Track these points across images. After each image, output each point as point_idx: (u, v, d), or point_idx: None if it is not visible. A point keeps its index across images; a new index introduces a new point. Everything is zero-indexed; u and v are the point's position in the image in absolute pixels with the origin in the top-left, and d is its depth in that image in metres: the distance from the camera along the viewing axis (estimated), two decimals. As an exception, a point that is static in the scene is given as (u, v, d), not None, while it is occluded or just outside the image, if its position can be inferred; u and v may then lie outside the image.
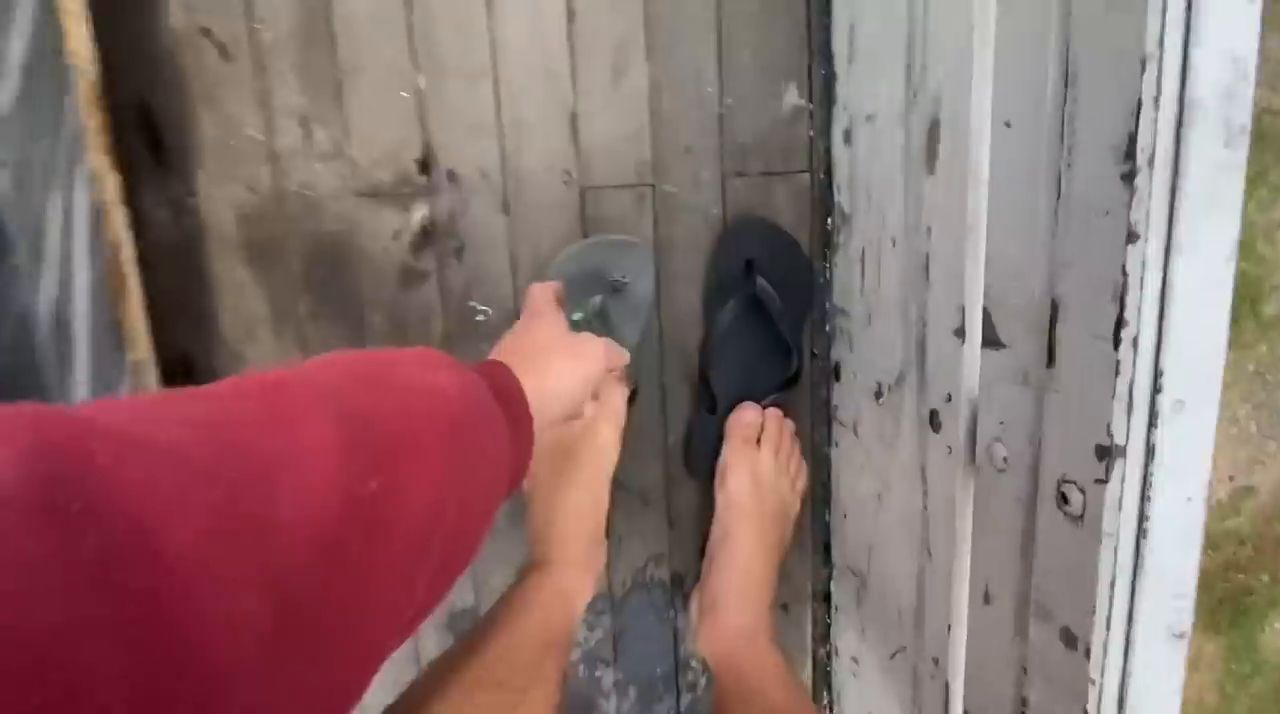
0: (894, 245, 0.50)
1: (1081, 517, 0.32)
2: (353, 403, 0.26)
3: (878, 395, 0.55)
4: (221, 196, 0.60)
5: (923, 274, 0.46)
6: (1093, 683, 0.32)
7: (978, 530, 0.42)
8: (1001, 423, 0.38)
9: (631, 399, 0.61)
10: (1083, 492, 0.32)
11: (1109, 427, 0.29)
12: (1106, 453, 0.30)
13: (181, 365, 0.63)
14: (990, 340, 0.38)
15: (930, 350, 0.46)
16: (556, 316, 0.48)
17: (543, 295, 0.50)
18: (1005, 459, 0.38)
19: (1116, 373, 0.29)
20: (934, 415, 0.46)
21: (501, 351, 0.44)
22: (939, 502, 0.46)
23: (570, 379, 0.43)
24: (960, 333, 0.42)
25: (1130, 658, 0.32)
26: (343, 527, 0.22)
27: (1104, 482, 0.30)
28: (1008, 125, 0.36)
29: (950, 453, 0.44)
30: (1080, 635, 0.33)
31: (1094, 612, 0.32)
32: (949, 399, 0.44)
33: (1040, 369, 0.34)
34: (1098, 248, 0.29)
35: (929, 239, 0.45)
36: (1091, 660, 0.32)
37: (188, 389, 0.24)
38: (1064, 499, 0.33)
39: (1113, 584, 0.31)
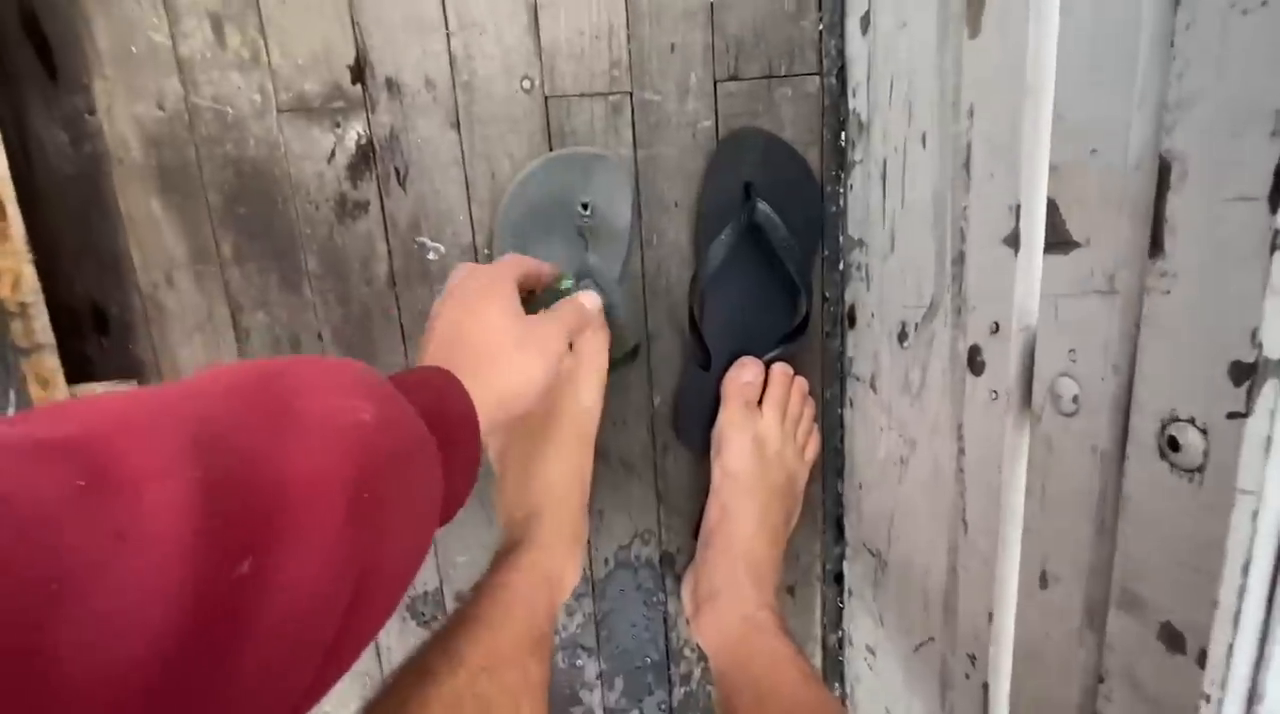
0: (924, 144, 0.40)
1: (1200, 469, 0.22)
2: (228, 448, 0.20)
3: (901, 338, 0.45)
4: (125, 115, 0.51)
5: (963, 173, 0.36)
6: (1207, 700, 0.23)
7: (1033, 495, 0.32)
8: (1072, 351, 0.29)
9: (633, 355, 0.52)
10: (1204, 432, 0.22)
11: (1255, 332, 0.20)
12: (1249, 373, 0.20)
13: (94, 318, 0.55)
14: (1058, 241, 0.29)
15: (971, 270, 0.36)
16: (509, 293, 0.39)
17: (504, 271, 0.42)
18: (1076, 398, 0.28)
19: (1273, 246, 0.19)
20: (974, 353, 0.36)
21: (439, 344, 0.37)
22: (980, 462, 0.37)
23: (529, 374, 0.37)
24: (1013, 240, 0.32)
25: (1265, 668, 0.22)
26: (184, 637, 0.17)
27: (1242, 415, 0.21)
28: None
29: (995, 398, 0.34)
30: (1190, 634, 0.24)
31: (1215, 602, 0.22)
32: (995, 330, 0.34)
33: (1136, 266, 0.25)
34: (1251, 57, 0.20)
35: (971, 123, 0.35)
36: (1208, 669, 0.23)
37: None
38: (1172, 444, 0.23)
39: (1247, 565, 0.21)
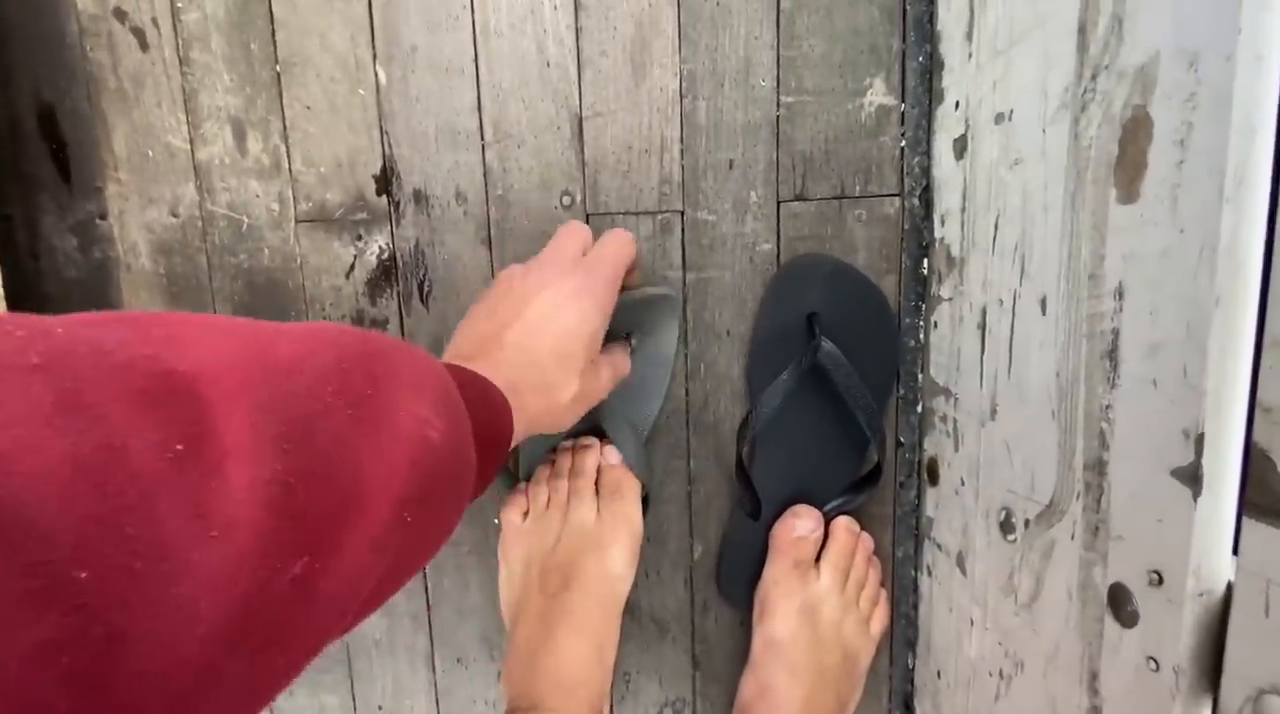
0: (1043, 310, 0.32)
1: None
2: (312, 441, 0.19)
3: (1005, 527, 0.37)
4: (136, 221, 0.48)
5: (1103, 364, 0.28)
6: None
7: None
8: (1299, 669, 0.20)
9: (643, 507, 0.45)
10: None
11: None
12: None
13: (90, 427, 0.50)
14: (1267, 507, 0.21)
15: (1117, 489, 0.28)
16: (603, 320, 0.37)
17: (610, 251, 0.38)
18: (1307, 741, 0.20)
19: None
20: (1121, 598, 0.28)
21: (519, 341, 0.34)
22: (1124, 736, 0.28)
23: (572, 414, 0.37)
24: (1191, 478, 0.24)
25: None
26: (234, 637, 0.17)
27: None
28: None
29: (1156, 670, 0.26)
30: None
31: None
32: (1156, 581, 0.26)
33: None
34: None
35: (1119, 307, 0.27)
36: None
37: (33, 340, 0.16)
38: None
39: None
